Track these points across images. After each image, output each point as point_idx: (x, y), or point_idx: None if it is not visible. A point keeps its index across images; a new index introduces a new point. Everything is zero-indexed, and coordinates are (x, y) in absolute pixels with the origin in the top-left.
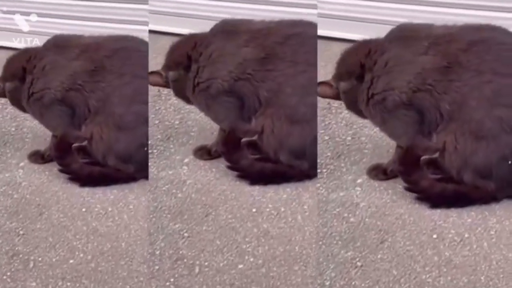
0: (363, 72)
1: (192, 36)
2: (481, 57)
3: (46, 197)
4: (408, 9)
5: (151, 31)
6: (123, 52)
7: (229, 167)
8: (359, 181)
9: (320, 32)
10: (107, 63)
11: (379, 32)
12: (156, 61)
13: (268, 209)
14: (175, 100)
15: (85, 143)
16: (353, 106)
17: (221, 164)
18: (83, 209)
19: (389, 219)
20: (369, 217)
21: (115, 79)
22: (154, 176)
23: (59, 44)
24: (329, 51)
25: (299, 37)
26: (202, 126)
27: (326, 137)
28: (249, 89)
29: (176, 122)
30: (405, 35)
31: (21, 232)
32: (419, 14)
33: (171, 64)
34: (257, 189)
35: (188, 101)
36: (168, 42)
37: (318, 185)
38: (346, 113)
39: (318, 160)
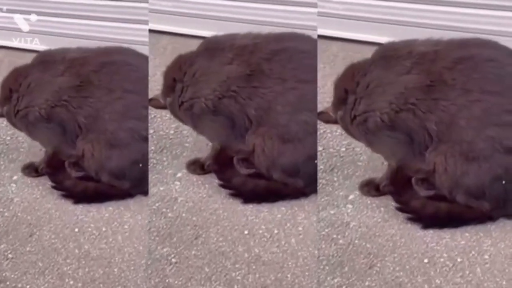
0: (345, 95)
1: (178, 58)
2: (468, 75)
3: (38, 215)
4: (411, 8)
5: (151, 31)
6: (111, 66)
7: (221, 185)
8: (351, 197)
9: (320, 31)
10: (94, 78)
11: (381, 31)
12: (154, 63)
13: (261, 231)
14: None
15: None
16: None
17: (215, 179)
18: (76, 229)
19: (380, 241)
20: (359, 239)
21: (104, 95)
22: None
23: (44, 60)
24: (328, 52)
25: (287, 52)
26: (198, 136)
27: (320, 148)
28: (235, 107)
29: (171, 132)
30: (387, 55)
31: (10, 256)
32: (423, 13)
33: (165, 90)
34: (250, 208)
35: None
36: (169, 42)
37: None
38: None
39: None
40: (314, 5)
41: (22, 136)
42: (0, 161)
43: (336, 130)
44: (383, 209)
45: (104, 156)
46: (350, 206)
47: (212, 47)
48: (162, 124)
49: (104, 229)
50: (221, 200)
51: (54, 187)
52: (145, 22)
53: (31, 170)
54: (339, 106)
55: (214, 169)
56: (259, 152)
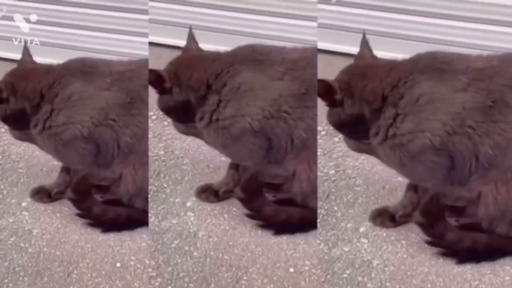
0: (383, 103)
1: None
2: None
3: (68, 250)
4: (414, 21)
5: (151, 43)
6: None
7: (250, 216)
8: (362, 230)
9: (320, 45)
10: (144, 94)
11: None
12: None
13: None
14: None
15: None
16: (347, 133)
17: (232, 207)
18: (118, 264)
19: (415, 282)
20: (388, 280)
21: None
22: (154, 226)
23: (86, 71)
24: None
25: None
26: (193, 156)
27: None
28: (283, 128)
29: (160, 153)
30: (439, 67)
31: None
32: (424, 26)
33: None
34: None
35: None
36: (171, 55)
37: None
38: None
39: None
40: (314, 19)
41: (15, 153)
42: (0, 185)
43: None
44: (404, 243)
45: (147, 180)
46: (364, 240)
47: (258, 59)
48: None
49: (147, 261)
50: (249, 232)
51: (80, 215)
52: (145, 35)
53: (43, 195)
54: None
55: (242, 198)
56: (489, 201)
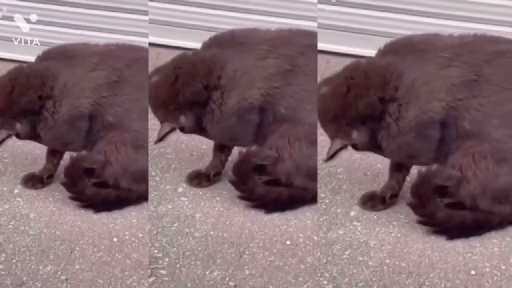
0: (383, 104)
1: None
2: (506, 71)
3: (66, 230)
4: (409, 20)
5: (151, 44)
6: (142, 63)
7: (242, 197)
8: (352, 214)
9: (320, 46)
10: (127, 74)
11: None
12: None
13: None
14: None
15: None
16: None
17: (223, 191)
18: (115, 239)
19: (413, 258)
20: (387, 257)
21: (134, 92)
22: (152, 211)
23: (68, 56)
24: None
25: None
26: (175, 145)
27: None
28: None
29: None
30: (420, 48)
31: (63, 277)
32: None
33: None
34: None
35: None
36: (171, 56)
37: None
38: None
39: None
40: (314, 19)
41: None
42: None
43: None
44: (395, 223)
45: (131, 159)
46: (357, 223)
47: (240, 42)
48: None
49: (140, 234)
50: (243, 212)
51: (73, 198)
52: (145, 35)
53: (35, 181)
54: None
55: (234, 180)
56: (469, 177)
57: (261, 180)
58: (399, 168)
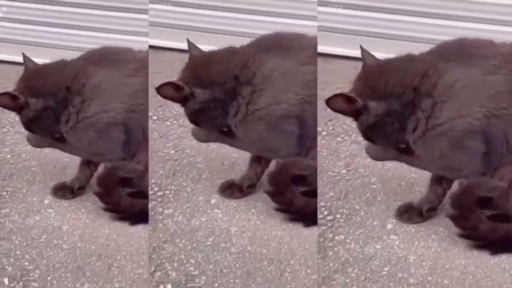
0: (414, 95)
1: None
2: None
3: (101, 244)
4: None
5: (151, 47)
6: None
7: (279, 209)
8: (389, 227)
9: (320, 48)
10: None
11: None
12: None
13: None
14: (153, 124)
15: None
16: (382, 137)
17: (257, 202)
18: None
19: (455, 275)
20: (429, 274)
21: None
22: (184, 225)
23: (109, 58)
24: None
25: None
26: (205, 154)
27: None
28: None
29: (171, 152)
30: (469, 53)
31: None
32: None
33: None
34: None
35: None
36: (172, 58)
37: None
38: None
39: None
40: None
41: (24, 152)
42: (18, 184)
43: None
44: (434, 237)
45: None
46: (394, 237)
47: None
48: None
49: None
50: (280, 225)
51: (107, 209)
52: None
53: (66, 191)
54: (379, 96)
55: (270, 191)
56: None
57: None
58: (439, 182)
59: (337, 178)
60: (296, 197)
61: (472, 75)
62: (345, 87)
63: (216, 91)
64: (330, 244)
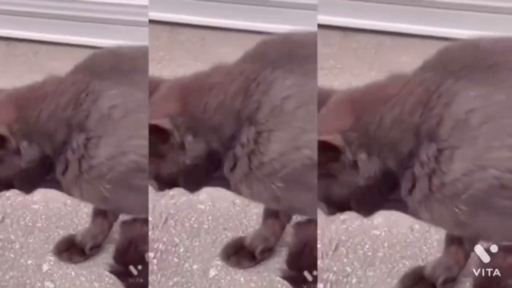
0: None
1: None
2: None
3: None
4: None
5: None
6: None
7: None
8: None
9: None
10: None
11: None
12: None
13: None
14: None
15: None
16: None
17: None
18: None
19: None
20: None
21: None
22: None
23: (123, 67)
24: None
25: None
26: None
27: None
28: None
29: None
30: (490, 63)
31: None
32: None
33: None
34: None
35: None
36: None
37: None
38: None
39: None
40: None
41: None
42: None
43: None
44: None
45: None
46: None
47: None
48: None
49: None
50: None
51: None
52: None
53: (74, 252)
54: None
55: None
56: None
57: None
58: (459, 242)
59: None
60: None
61: (497, 99)
62: None
63: (213, 140)
64: None
